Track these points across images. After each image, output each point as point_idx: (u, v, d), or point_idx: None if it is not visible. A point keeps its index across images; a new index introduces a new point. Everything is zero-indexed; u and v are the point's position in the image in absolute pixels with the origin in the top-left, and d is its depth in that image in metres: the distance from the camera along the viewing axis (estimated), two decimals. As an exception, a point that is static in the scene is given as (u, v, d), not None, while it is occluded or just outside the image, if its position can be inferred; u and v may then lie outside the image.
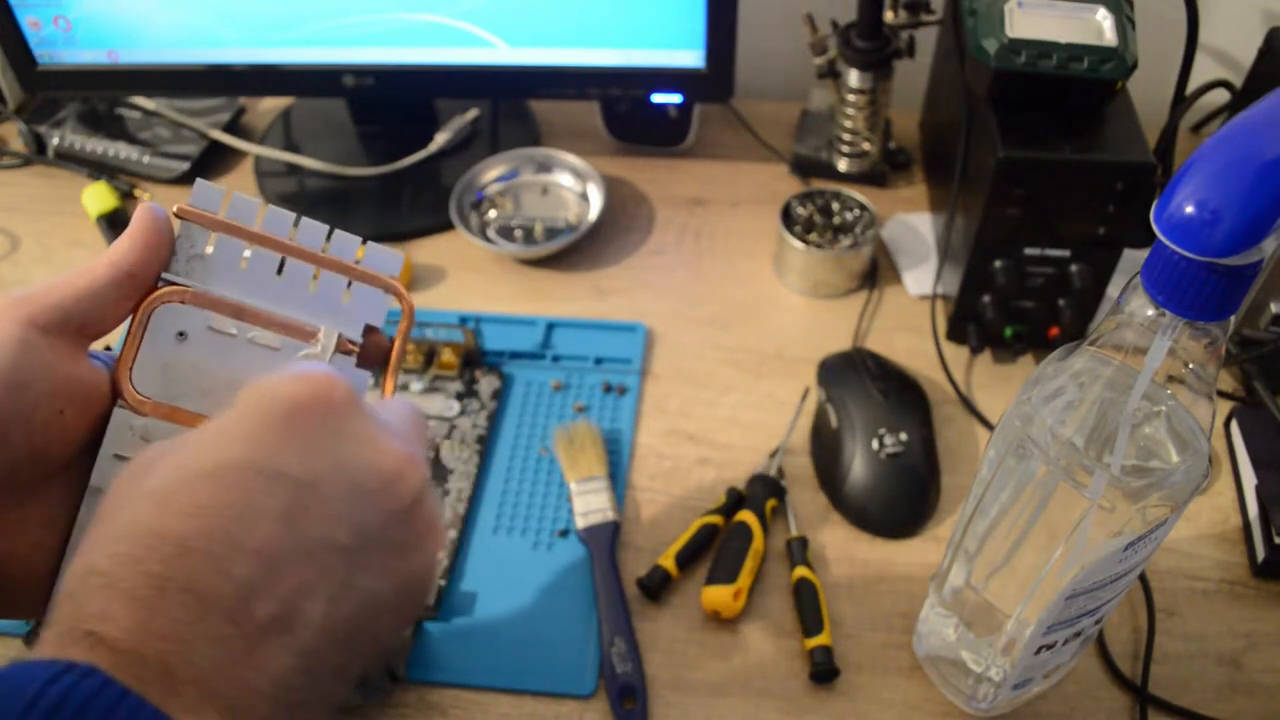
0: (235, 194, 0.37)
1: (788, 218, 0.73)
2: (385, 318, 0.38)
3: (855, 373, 0.64)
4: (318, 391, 0.30)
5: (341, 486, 0.29)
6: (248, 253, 0.37)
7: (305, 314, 0.37)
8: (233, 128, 0.86)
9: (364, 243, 0.39)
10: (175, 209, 0.36)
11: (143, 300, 0.35)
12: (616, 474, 0.62)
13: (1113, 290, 0.65)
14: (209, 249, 0.36)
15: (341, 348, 0.37)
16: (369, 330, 0.38)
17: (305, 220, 0.38)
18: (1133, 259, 0.65)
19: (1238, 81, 0.72)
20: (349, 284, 0.38)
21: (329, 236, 0.38)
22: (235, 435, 0.28)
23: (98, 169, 0.84)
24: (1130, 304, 0.34)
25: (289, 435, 0.29)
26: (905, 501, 0.59)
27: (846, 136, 0.80)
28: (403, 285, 0.39)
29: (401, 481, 0.31)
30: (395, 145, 0.82)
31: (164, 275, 0.36)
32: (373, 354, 0.38)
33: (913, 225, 0.78)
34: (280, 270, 0.37)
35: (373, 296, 0.38)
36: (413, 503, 0.31)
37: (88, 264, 0.34)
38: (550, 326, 0.70)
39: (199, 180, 0.37)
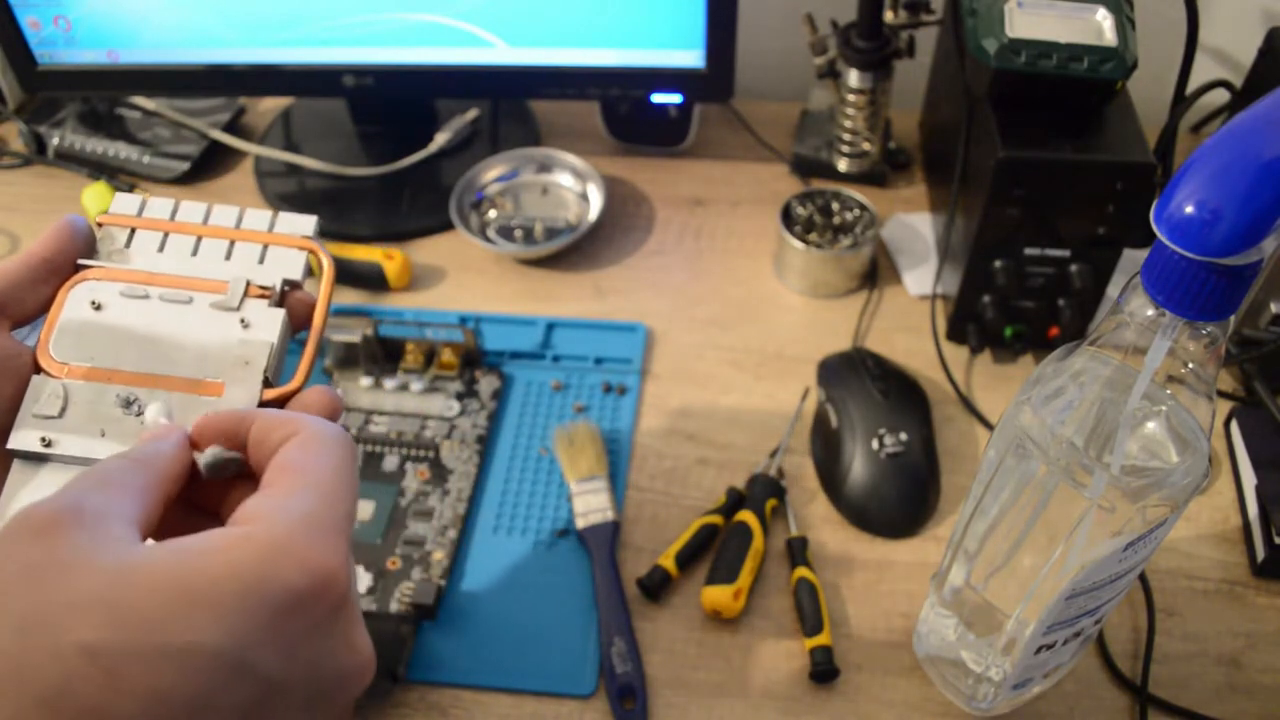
0: (151, 199, 0.40)
1: (788, 218, 0.73)
2: (303, 272, 0.40)
3: (855, 373, 0.64)
4: (320, 587, 0.27)
5: (308, 689, 0.27)
6: (164, 240, 0.40)
7: (220, 279, 0.39)
8: (233, 128, 0.86)
9: (276, 213, 0.41)
10: (96, 219, 0.39)
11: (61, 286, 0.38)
12: (616, 474, 0.62)
13: (1113, 290, 0.65)
14: (128, 244, 0.39)
15: (252, 293, 0.39)
16: (294, 286, 0.39)
17: (217, 206, 0.40)
18: (1133, 259, 0.65)
19: (1238, 81, 0.72)
20: (263, 249, 0.40)
21: (241, 216, 0.41)
22: (215, 615, 0.25)
23: (98, 169, 0.84)
24: (1130, 304, 0.34)
25: (277, 631, 0.26)
26: (905, 501, 0.59)
27: (846, 136, 0.80)
28: (318, 244, 0.40)
29: (359, 683, 0.29)
30: (395, 145, 0.82)
31: (81, 262, 0.38)
32: (298, 310, 0.39)
33: (913, 225, 0.78)
34: (196, 251, 0.40)
35: (289, 256, 0.40)
36: (353, 701, 0.30)
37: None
38: (550, 326, 0.70)
39: (118, 194, 0.41)
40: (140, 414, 0.36)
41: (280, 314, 0.38)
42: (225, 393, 0.37)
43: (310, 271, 0.40)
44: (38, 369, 0.36)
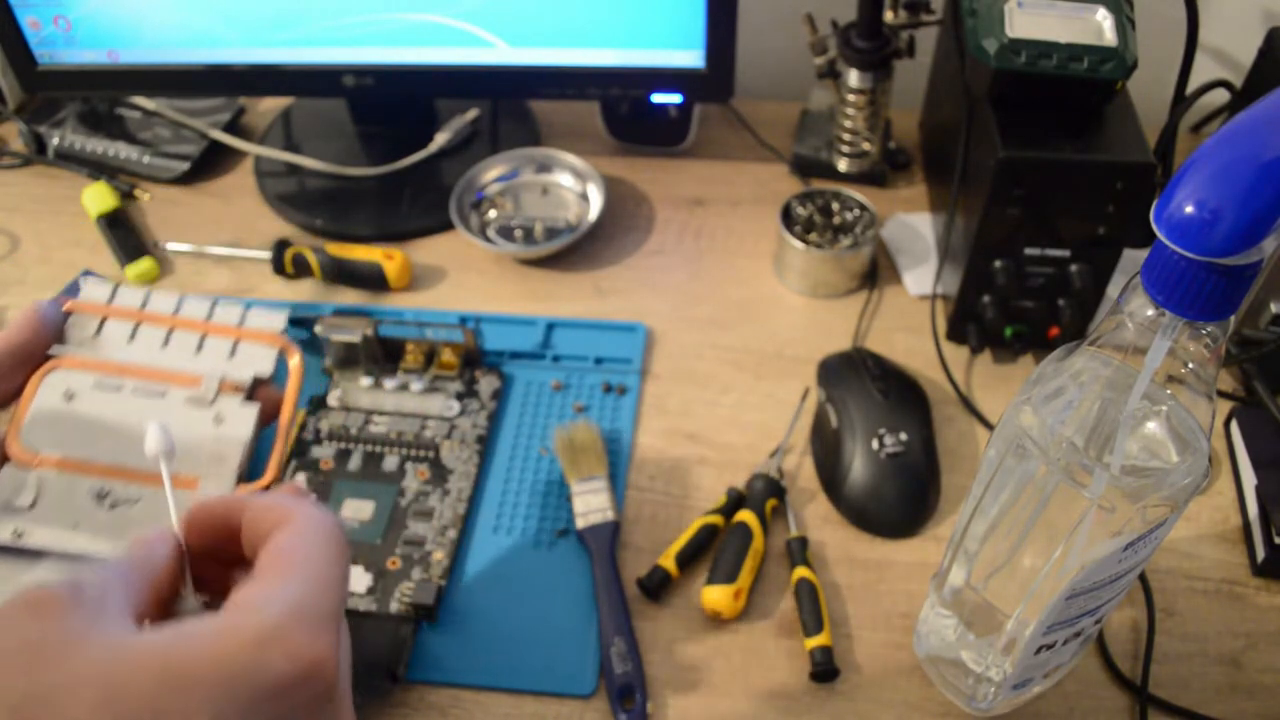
0: (122, 286, 0.41)
1: (788, 218, 0.73)
2: (274, 368, 0.40)
3: (855, 373, 0.64)
4: (307, 677, 0.28)
5: None
6: (135, 330, 0.40)
7: (193, 372, 0.40)
8: (233, 128, 0.86)
9: (247, 308, 0.42)
10: (65, 305, 0.39)
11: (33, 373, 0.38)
12: (616, 474, 0.62)
13: (1113, 290, 0.65)
14: (98, 332, 0.40)
15: (225, 389, 0.39)
16: (263, 383, 0.40)
17: (189, 297, 0.41)
18: (1133, 259, 0.65)
19: (1238, 81, 0.72)
20: (235, 344, 0.41)
21: (212, 308, 0.41)
22: (205, 699, 0.26)
23: (98, 169, 0.84)
24: (1130, 304, 0.34)
25: (263, 717, 0.27)
26: (905, 501, 0.59)
27: (846, 136, 0.80)
28: (289, 340, 0.41)
29: None
30: (395, 145, 0.82)
31: (54, 350, 0.38)
32: (267, 408, 0.39)
33: (913, 225, 0.78)
34: (167, 342, 0.40)
35: (259, 352, 0.40)
36: None
37: None
38: (550, 326, 0.70)
39: (89, 277, 0.41)
40: (115, 506, 0.36)
41: (254, 410, 0.39)
42: (199, 487, 0.37)
43: (284, 357, 0.41)
44: (4, 457, 0.36)
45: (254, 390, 0.40)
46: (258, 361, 0.40)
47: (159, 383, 0.39)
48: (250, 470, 0.39)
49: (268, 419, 0.39)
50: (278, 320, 0.41)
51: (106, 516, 0.36)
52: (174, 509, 0.33)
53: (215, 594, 0.33)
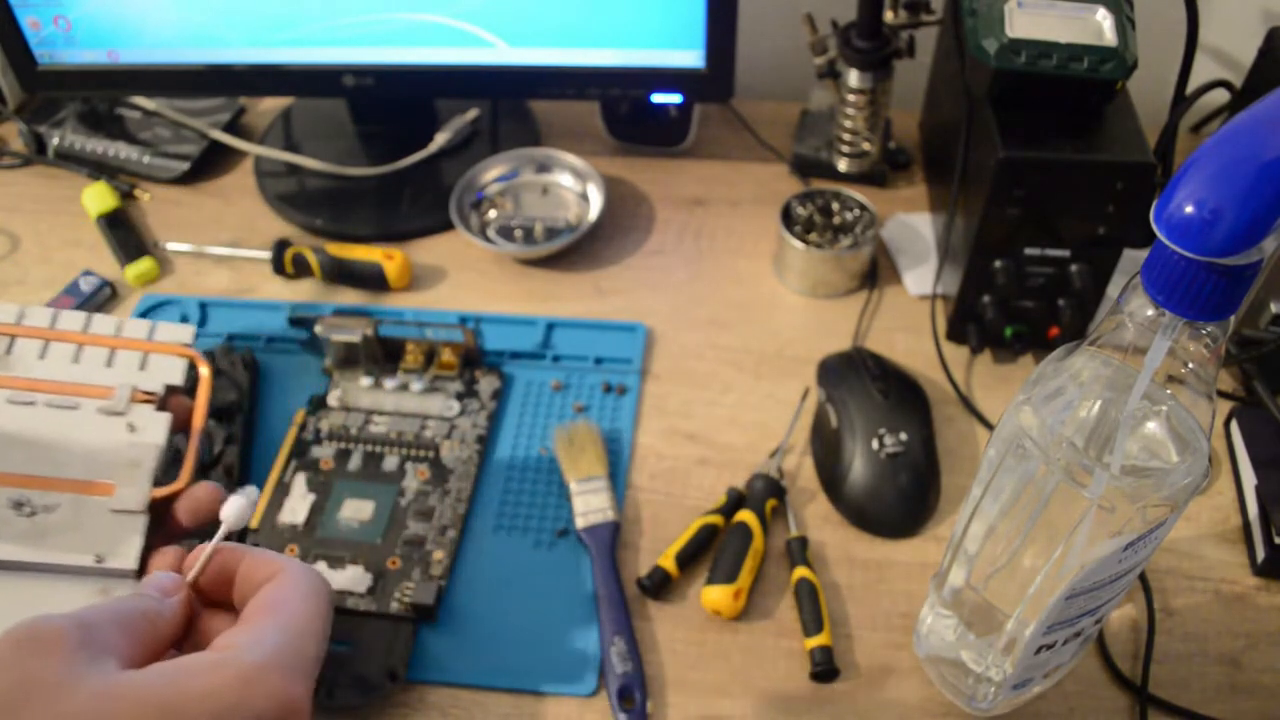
0: (30, 307, 0.42)
1: (788, 218, 0.73)
2: (184, 377, 0.42)
3: (855, 373, 0.64)
4: (283, 718, 0.30)
5: None
6: (45, 347, 0.42)
7: (104, 384, 0.41)
8: (233, 128, 0.86)
9: (154, 323, 0.43)
10: None
11: None
12: (616, 474, 0.62)
13: (1113, 290, 0.65)
14: (9, 351, 0.41)
15: (136, 399, 0.41)
16: (174, 391, 0.42)
17: (96, 315, 0.43)
18: (1133, 259, 0.65)
19: (1238, 81, 0.72)
20: (144, 356, 0.42)
21: (120, 325, 0.43)
22: None
23: (98, 169, 0.84)
24: (1130, 304, 0.35)
25: None
26: (905, 501, 0.59)
27: (846, 136, 0.80)
28: (196, 352, 0.42)
29: None
30: (395, 145, 0.82)
31: None
32: (179, 413, 0.41)
33: (913, 225, 0.78)
34: (78, 358, 0.42)
35: (169, 363, 0.42)
36: None
37: None
38: (550, 326, 0.70)
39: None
40: (33, 514, 0.37)
41: (166, 418, 0.40)
42: (116, 493, 0.38)
43: (194, 369, 0.42)
44: None
45: (167, 400, 0.41)
46: (167, 372, 0.42)
47: (71, 396, 0.40)
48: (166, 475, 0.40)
49: (180, 425, 0.41)
50: (185, 334, 0.43)
51: (26, 524, 0.37)
52: (201, 563, 0.34)
53: (205, 636, 0.34)
